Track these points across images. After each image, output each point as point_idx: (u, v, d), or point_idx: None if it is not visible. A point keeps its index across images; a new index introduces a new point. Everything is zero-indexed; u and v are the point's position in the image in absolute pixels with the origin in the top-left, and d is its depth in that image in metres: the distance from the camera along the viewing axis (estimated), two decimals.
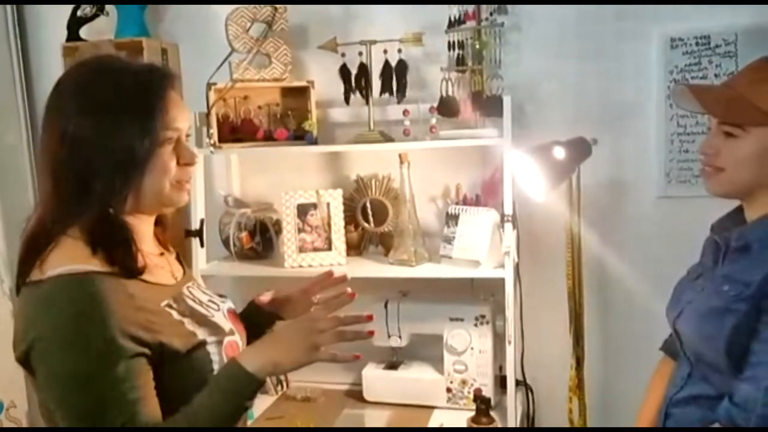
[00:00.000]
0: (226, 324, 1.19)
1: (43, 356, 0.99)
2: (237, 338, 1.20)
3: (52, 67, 2.33)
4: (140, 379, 1.00)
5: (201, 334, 1.11)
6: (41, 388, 1.03)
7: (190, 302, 1.15)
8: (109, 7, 2.25)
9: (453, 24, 1.98)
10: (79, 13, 2.25)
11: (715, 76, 1.93)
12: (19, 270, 1.05)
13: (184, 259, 1.30)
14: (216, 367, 1.11)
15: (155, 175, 1.06)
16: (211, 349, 1.11)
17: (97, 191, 1.02)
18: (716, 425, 1.19)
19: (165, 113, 1.05)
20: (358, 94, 2.03)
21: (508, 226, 1.85)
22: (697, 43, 1.95)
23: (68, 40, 2.25)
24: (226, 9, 2.07)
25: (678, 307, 1.35)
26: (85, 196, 1.02)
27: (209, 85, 2.03)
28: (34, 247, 1.04)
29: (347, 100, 2.05)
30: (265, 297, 1.38)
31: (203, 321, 1.14)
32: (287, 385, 2.21)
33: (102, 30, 2.28)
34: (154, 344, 1.02)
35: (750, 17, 1.88)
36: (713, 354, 1.22)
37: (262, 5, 2.05)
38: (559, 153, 1.71)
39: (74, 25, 2.25)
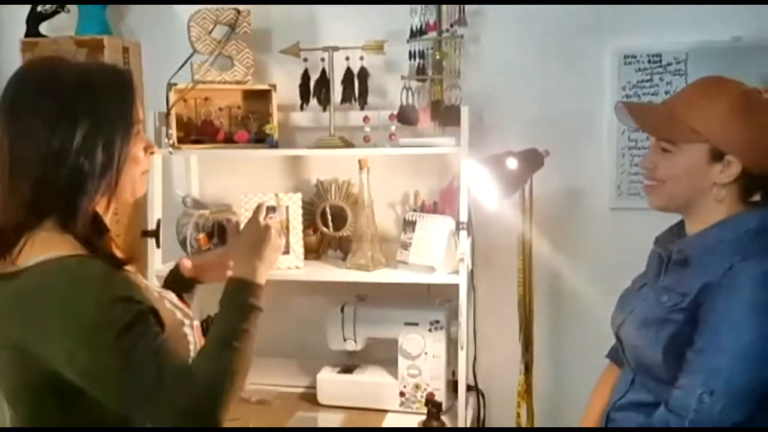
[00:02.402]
0: (188, 310, 1.23)
1: (52, 331, 0.98)
2: (197, 323, 1.22)
3: (9, 63, 2.29)
4: (156, 328, 1.02)
5: (179, 314, 1.15)
6: (39, 370, 1.00)
7: (156, 289, 1.19)
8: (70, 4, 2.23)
9: (414, 34, 2.02)
10: (39, 8, 2.23)
11: (666, 93, 1.99)
12: None
13: (141, 259, 1.31)
14: (192, 347, 1.13)
15: (130, 168, 1.11)
16: (187, 330, 1.15)
17: (85, 191, 1.04)
18: None
19: (135, 110, 1.10)
20: (315, 101, 2.06)
21: (463, 233, 1.89)
22: (649, 61, 2.01)
23: (27, 35, 2.22)
24: (188, 9, 2.07)
25: (621, 315, 1.40)
26: (70, 196, 1.04)
27: (170, 85, 2.03)
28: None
29: (302, 107, 2.08)
30: (188, 263, 1.39)
31: (174, 304, 1.18)
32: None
33: (62, 26, 2.26)
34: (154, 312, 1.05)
35: (700, 37, 1.96)
36: (652, 362, 1.26)
37: (225, 6, 2.06)
38: (512, 164, 1.75)
39: (34, 20, 2.23)
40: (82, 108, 1.04)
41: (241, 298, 1.12)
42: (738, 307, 1.13)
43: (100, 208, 1.10)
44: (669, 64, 2.00)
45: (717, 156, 1.22)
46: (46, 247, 1.02)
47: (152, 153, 1.17)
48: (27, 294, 1.00)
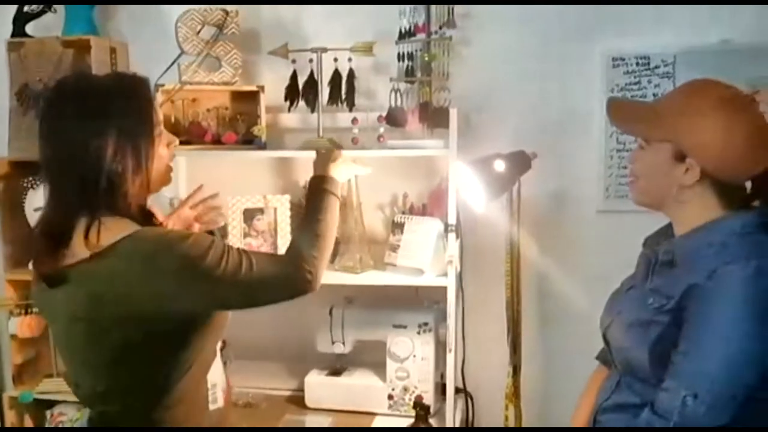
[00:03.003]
0: None
1: (180, 278, 1.17)
2: None
3: None
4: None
5: None
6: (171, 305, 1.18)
7: None
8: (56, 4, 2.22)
9: (403, 36, 2.02)
10: (25, 8, 2.21)
11: (654, 95, 2.00)
12: (45, 255, 1.19)
13: None
14: None
15: (157, 165, 1.26)
16: None
17: (122, 190, 1.20)
18: None
19: (155, 114, 1.26)
20: (303, 102, 2.05)
21: (452, 235, 1.88)
22: (637, 63, 2.02)
23: (14, 35, 2.21)
24: (176, 9, 2.06)
25: (609, 317, 1.40)
26: (110, 193, 1.19)
27: (157, 86, 2.01)
28: (63, 233, 1.19)
29: (289, 108, 2.07)
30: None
31: None
32: (229, 391, 2.19)
33: (49, 26, 2.25)
34: None
35: (687, 40, 1.96)
36: (638, 363, 1.26)
37: (213, 7, 2.05)
38: (500, 166, 1.75)
39: (20, 20, 2.21)
40: (110, 120, 1.18)
41: (318, 186, 1.47)
42: (722, 310, 1.12)
43: (141, 199, 1.25)
44: (657, 67, 2.01)
45: (680, 157, 1.22)
46: (120, 227, 1.18)
47: (174, 147, 1.34)
48: (137, 260, 1.16)
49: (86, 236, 1.16)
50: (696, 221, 1.24)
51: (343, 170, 1.56)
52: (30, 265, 1.80)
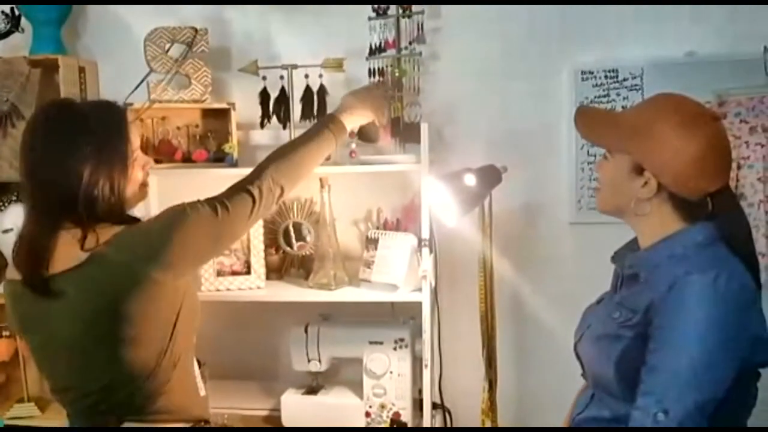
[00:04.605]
0: None
1: (163, 247, 1.28)
2: None
3: None
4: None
5: None
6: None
7: None
8: (24, 24, 2.19)
9: (374, 51, 2.02)
10: None
11: (623, 107, 2.02)
12: (35, 268, 1.27)
13: None
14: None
15: (131, 186, 1.37)
16: None
17: (98, 209, 1.29)
18: None
19: (129, 141, 1.35)
20: (275, 119, 2.04)
21: (426, 250, 1.88)
22: (606, 76, 2.04)
23: None
24: (145, 28, 2.04)
25: (580, 331, 1.40)
26: (88, 213, 1.28)
27: (126, 105, 1.99)
28: (47, 247, 1.27)
29: (262, 124, 2.06)
30: None
31: None
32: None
33: (17, 46, 2.22)
34: None
35: (655, 52, 1.99)
36: (605, 378, 1.26)
37: (182, 25, 2.04)
38: (470, 180, 1.75)
39: None
40: (89, 147, 1.27)
41: (321, 121, 1.65)
42: (684, 319, 1.11)
43: (120, 210, 1.35)
44: (625, 80, 2.03)
45: (639, 170, 1.22)
46: (112, 231, 1.28)
47: (149, 167, 1.44)
48: (130, 243, 1.27)
49: (83, 242, 1.25)
50: (657, 234, 1.24)
51: (360, 111, 1.70)
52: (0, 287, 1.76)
